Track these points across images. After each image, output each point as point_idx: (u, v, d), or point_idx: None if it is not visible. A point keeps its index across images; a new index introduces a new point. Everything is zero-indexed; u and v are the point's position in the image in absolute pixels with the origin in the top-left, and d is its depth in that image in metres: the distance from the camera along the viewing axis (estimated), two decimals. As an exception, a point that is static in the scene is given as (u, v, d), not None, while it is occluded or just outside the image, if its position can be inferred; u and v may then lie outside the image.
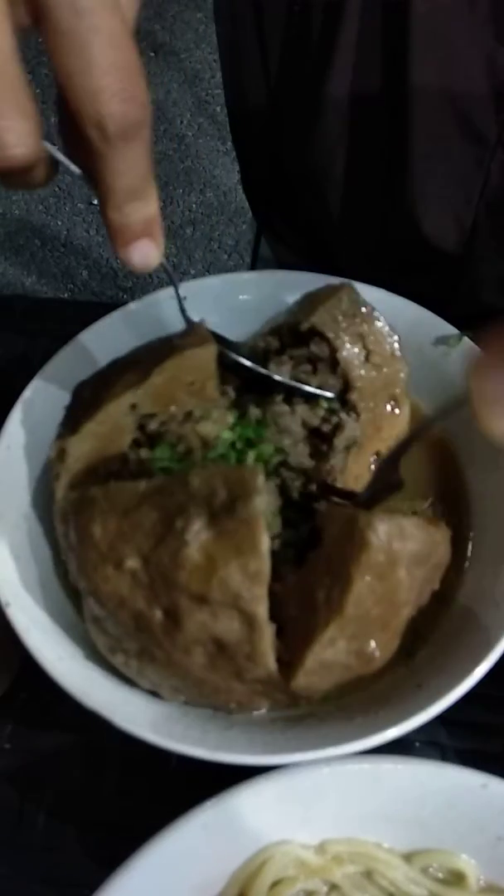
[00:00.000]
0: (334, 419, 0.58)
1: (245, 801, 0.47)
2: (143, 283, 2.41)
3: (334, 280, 0.67)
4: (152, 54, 3.14)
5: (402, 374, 0.62)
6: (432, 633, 0.57)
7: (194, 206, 2.67)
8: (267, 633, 0.46)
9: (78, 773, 0.59)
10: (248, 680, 0.48)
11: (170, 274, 0.55)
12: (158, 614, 0.47)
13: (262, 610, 0.46)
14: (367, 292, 0.68)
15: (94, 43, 0.36)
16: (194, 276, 0.71)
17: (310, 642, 0.47)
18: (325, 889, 0.49)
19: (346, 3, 0.73)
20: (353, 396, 0.59)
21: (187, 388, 0.56)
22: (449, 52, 0.72)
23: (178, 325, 0.63)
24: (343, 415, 0.58)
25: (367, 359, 0.59)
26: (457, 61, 0.73)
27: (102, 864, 0.46)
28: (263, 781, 0.47)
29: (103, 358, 0.63)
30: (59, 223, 2.64)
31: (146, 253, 0.44)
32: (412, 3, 0.70)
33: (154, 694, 0.54)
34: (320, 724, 0.52)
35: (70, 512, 0.52)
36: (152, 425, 0.56)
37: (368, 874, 0.49)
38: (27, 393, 0.64)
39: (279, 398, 0.59)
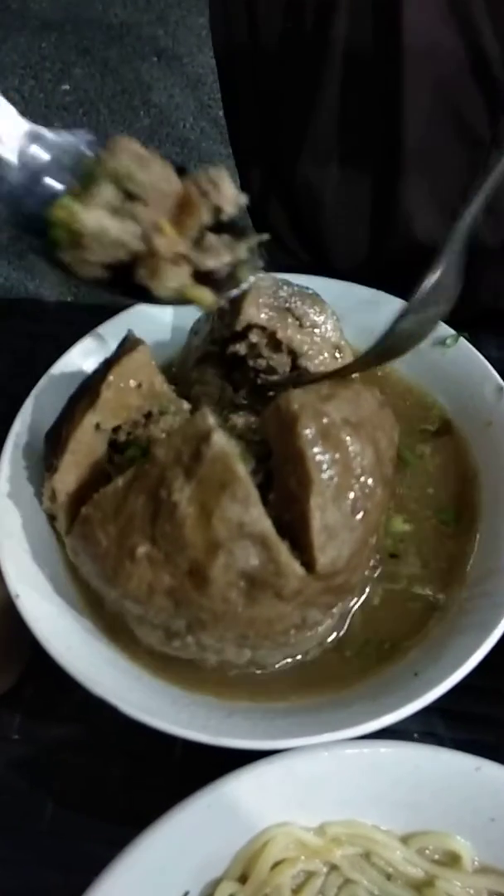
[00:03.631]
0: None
1: (247, 784, 0.48)
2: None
3: (328, 281, 0.70)
4: (155, 59, 3.16)
5: (334, 327, 0.65)
6: (432, 626, 0.59)
7: (197, 209, 2.70)
8: (281, 545, 0.49)
9: (84, 762, 0.61)
10: (287, 595, 0.50)
11: None
12: (186, 579, 0.50)
13: (267, 525, 0.49)
14: (365, 294, 0.71)
15: None
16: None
17: (307, 521, 0.50)
18: (324, 869, 0.50)
19: (337, 4, 0.75)
20: (303, 361, 0.63)
21: (137, 392, 0.60)
22: (441, 55, 0.74)
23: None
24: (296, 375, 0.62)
25: (300, 326, 0.63)
26: (448, 64, 0.74)
27: (109, 849, 0.47)
28: (265, 765, 0.48)
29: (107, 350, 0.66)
30: (63, 227, 2.66)
31: None
32: (402, 6, 0.71)
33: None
34: (319, 711, 0.54)
35: (78, 544, 0.55)
36: (121, 437, 0.60)
37: (367, 855, 0.50)
38: (36, 391, 0.67)
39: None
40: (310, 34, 0.80)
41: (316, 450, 0.50)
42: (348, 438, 0.52)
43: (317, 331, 0.63)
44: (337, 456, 0.51)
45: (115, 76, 3.10)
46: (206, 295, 0.49)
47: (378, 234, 0.91)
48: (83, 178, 0.47)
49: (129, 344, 0.61)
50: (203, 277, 0.49)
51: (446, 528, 0.64)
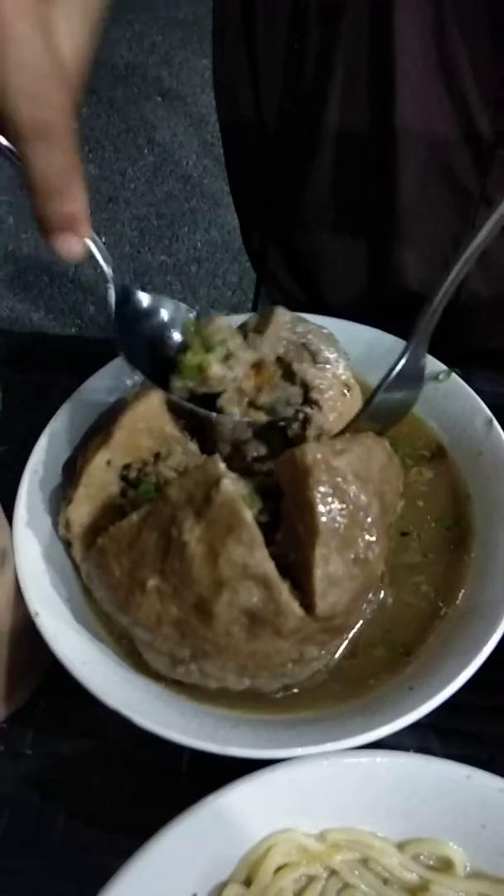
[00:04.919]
0: (301, 416, 0.65)
1: (251, 792, 0.51)
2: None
3: (326, 319, 0.74)
4: (160, 99, 3.23)
5: (345, 366, 0.69)
6: (426, 641, 0.62)
7: (199, 244, 2.74)
8: (282, 585, 0.52)
9: (95, 776, 0.62)
10: (286, 633, 0.53)
11: (105, 263, 0.58)
12: (192, 613, 0.53)
13: (270, 567, 0.52)
14: (361, 332, 0.75)
15: (9, 49, 0.41)
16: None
17: (310, 568, 0.53)
18: (325, 874, 0.52)
19: (334, 59, 0.79)
20: (314, 394, 0.66)
21: (147, 433, 0.64)
22: (431, 113, 0.78)
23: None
24: (308, 409, 0.65)
25: (314, 362, 0.67)
26: (438, 120, 0.78)
27: (119, 859, 0.49)
28: (268, 773, 0.51)
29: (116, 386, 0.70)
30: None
31: (69, 246, 0.49)
32: (397, 61, 0.75)
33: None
34: (320, 723, 0.56)
35: (93, 571, 0.59)
36: (132, 473, 0.64)
37: (365, 861, 0.52)
38: (54, 422, 0.70)
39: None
40: (305, 118, 0.84)
41: (325, 502, 0.53)
42: (357, 493, 0.55)
43: (328, 367, 0.67)
44: (344, 509, 0.54)
45: (121, 115, 3.17)
46: (260, 416, 0.65)
47: (373, 281, 0.95)
48: (186, 333, 0.63)
49: (143, 389, 0.65)
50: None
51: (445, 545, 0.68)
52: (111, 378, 0.73)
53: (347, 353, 0.69)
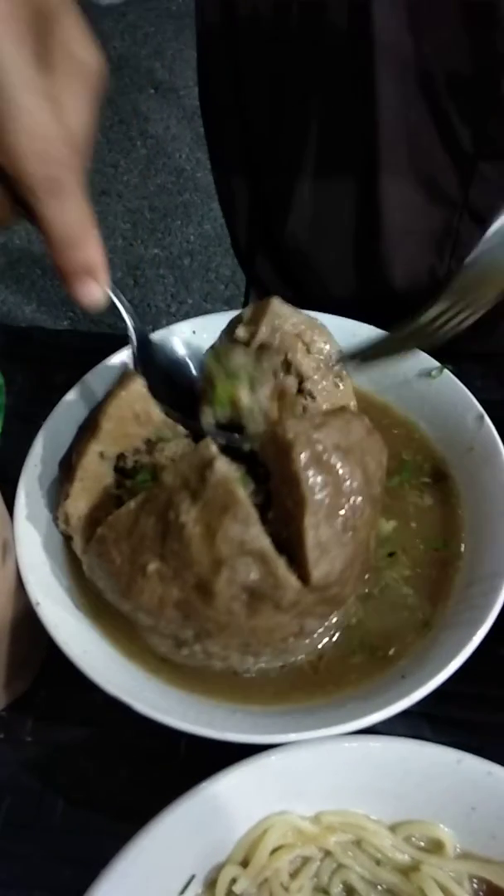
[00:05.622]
0: (298, 408, 0.66)
1: (248, 776, 0.52)
2: (141, 312, 2.47)
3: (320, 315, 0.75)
4: (152, 91, 3.22)
5: (337, 357, 0.70)
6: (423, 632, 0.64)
7: (192, 237, 2.74)
8: (279, 560, 0.54)
9: (94, 762, 0.64)
10: (285, 606, 0.55)
11: (127, 315, 0.64)
12: (193, 593, 0.54)
13: (265, 542, 0.54)
14: (358, 329, 0.76)
15: (21, 119, 0.44)
16: (192, 305, 0.78)
17: (301, 539, 0.54)
18: (319, 855, 0.54)
19: (315, 72, 0.80)
20: (308, 385, 0.67)
21: (135, 420, 0.65)
22: (412, 123, 0.79)
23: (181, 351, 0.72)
24: (303, 400, 0.67)
25: (308, 352, 0.68)
26: (420, 133, 0.79)
27: (118, 843, 0.50)
28: (264, 758, 0.52)
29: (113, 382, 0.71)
30: (60, 252, 2.69)
31: (89, 292, 0.51)
32: (377, 74, 0.76)
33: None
34: (316, 709, 0.58)
35: (94, 561, 0.60)
36: (127, 463, 0.65)
37: (358, 842, 0.54)
38: (53, 415, 0.71)
39: None
40: (290, 110, 0.85)
41: (309, 473, 0.55)
42: (338, 463, 0.57)
43: (321, 357, 0.68)
44: (328, 479, 0.56)
45: (114, 107, 3.15)
46: None
47: (359, 285, 0.96)
48: (209, 364, 0.66)
49: (125, 378, 0.66)
50: None
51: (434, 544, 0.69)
52: (108, 374, 0.74)
53: (338, 343, 0.71)
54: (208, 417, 0.65)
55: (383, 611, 0.65)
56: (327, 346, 0.69)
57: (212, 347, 0.67)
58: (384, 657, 0.63)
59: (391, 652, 0.63)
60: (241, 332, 0.68)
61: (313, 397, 0.66)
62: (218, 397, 0.64)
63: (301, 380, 0.67)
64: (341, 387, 0.69)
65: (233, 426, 0.65)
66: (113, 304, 0.60)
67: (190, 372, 0.71)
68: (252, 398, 0.64)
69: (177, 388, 0.68)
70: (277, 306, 0.69)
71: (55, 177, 0.45)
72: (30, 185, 0.45)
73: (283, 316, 0.68)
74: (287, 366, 0.68)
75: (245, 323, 0.69)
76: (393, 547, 0.68)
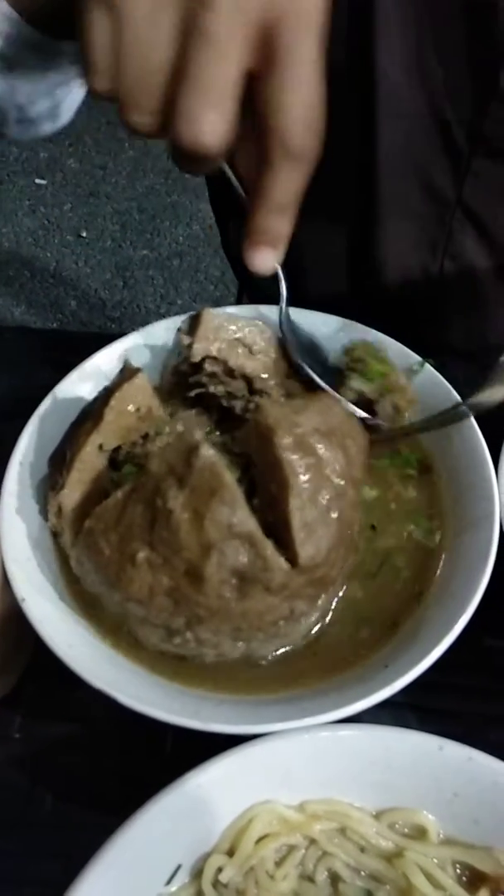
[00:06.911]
0: (252, 405, 0.68)
1: (233, 766, 0.53)
2: (130, 313, 2.47)
3: (302, 311, 0.76)
4: (139, 93, 3.21)
5: (283, 352, 0.73)
6: (407, 620, 0.64)
7: (181, 238, 2.74)
8: (267, 542, 0.55)
9: (81, 758, 0.64)
10: (275, 588, 0.56)
11: (284, 282, 0.70)
12: (183, 579, 0.55)
13: (253, 525, 0.54)
14: (349, 327, 0.76)
15: (301, 89, 0.46)
16: (181, 306, 0.78)
17: (287, 520, 0.55)
18: (304, 843, 0.54)
19: None
20: (258, 384, 0.69)
21: (136, 415, 0.66)
22: (408, 120, 0.79)
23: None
24: (257, 398, 0.69)
25: (251, 353, 0.70)
26: (415, 129, 0.80)
27: (105, 837, 0.50)
28: (250, 747, 0.53)
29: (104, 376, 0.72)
30: (49, 255, 2.69)
31: (266, 259, 0.54)
32: (376, 69, 0.77)
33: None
34: (300, 699, 0.58)
35: (82, 554, 0.60)
36: (121, 456, 0.66)
37: (342, 830, 0.54)
38: (39, 411, 0.72)
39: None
40: None
41: (292, 456, 0.56)
42: (320, 445, 0.58)
43: (264, 356, 0.71)
44: (311, 461, 0.57)
45: (101, 108, 3.14)
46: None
47: (352, 284, 0.97)
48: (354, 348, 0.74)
49: (127, 372, 0.67)
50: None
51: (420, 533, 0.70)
52: (93, 372, 0.75)
53: (283, 338, 0.73)
54: (353, 383, 0.69)
55: (373, 593, 0.66)
56: (265, 343, 0.71)
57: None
58: (370, 641, 0.63)
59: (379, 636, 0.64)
60: (182, 346, 0.70)
61: (268, 394, 0.68)
62: (374, 368, 0.70)
63: (250, 381, 0.69)
64: (294, 376, 0.71)
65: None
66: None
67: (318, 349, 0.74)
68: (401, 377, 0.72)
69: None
70: (211, 318, 0.71)
71: (312, 146, 0.48)
72: (290, 146, 0.47)
73: (218, 326, 0.70)
74: (230, 372, 0.70)
75: (184, 333, 0.71)
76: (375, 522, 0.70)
